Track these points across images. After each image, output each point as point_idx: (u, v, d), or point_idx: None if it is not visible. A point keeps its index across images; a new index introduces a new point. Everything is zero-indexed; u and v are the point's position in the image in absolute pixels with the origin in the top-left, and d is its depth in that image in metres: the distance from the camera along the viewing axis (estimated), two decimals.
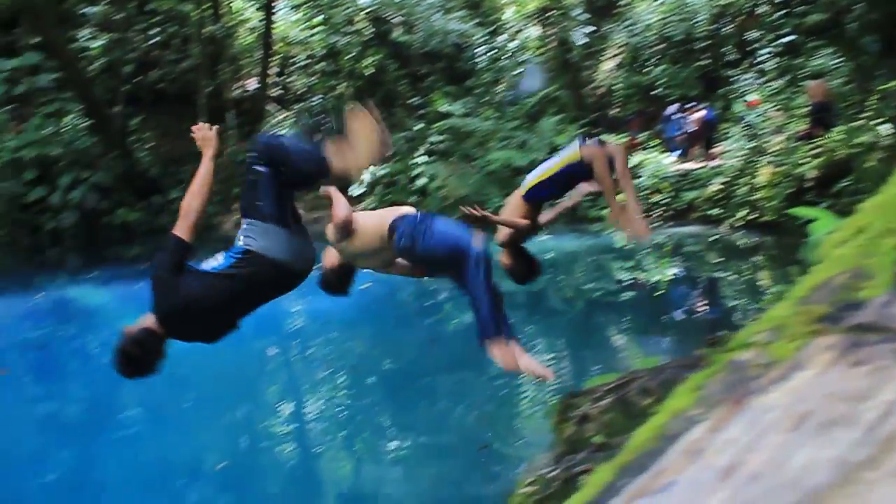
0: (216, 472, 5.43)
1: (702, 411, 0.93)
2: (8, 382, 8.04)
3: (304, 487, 5.38)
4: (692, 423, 0.91)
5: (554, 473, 3.63)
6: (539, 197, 4.99)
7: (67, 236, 21.07)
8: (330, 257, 4.47)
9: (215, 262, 3.41)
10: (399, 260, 4.51)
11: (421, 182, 19.01)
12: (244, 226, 3.47)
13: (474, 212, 4.64)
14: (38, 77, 20.48)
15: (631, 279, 12.25)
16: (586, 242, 15.34)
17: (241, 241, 3.43)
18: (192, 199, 3.35)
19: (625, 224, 4.96)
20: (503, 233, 4.98)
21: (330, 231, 4.31)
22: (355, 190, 20.27)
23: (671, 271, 12.69)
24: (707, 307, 10.47)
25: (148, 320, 3.35)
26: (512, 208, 5.01)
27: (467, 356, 7.86)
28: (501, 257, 4.95)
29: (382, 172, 19.96)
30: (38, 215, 21.07)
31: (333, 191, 4.37)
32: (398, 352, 8.07)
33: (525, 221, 4.88)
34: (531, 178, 4.97)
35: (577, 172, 4.83)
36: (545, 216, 5.23)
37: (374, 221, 4.35)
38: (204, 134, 3.60)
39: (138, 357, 3.35)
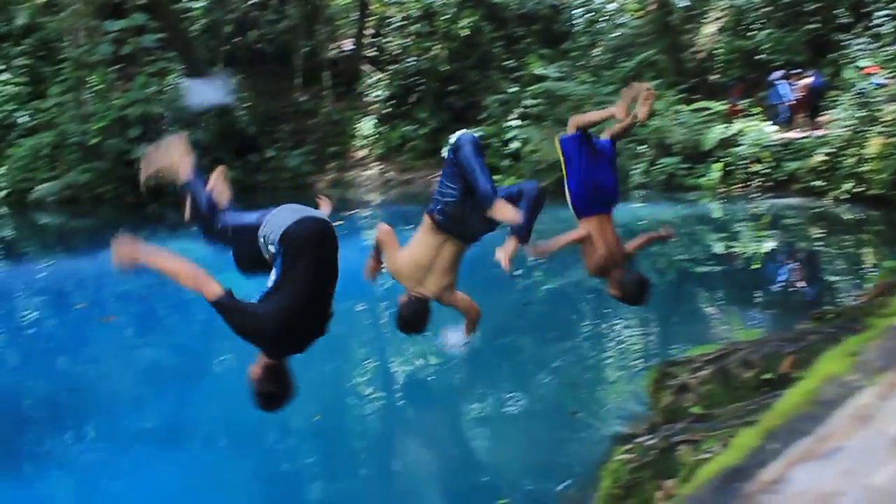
0: (313, 422, 5.55)
1: (860, 377, 0.87)
2: (114, 329, 8.40)
3: (394, 447, 5.46)
4: (851, 389, 0.86)
5: (652, 442, 3.57)
6: (582, 204, 4.76)
7: (168, 192, 21.77)
8: (401, 298, 4.52)
9: (272, 276, 3.38)
10: (459, 295, 4.62)
11: (514, 146, 18.85)
12: (260, 240, 3.45)
13: (537, 250, 4.66)
14: (144, 37, 21.08)
15: (727, 250, 11.92)
16: (682, 211, 14.98)
17: (272, 248, 3.39)
18: (187, 272, 3.28)
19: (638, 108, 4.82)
20: (590, 262, 4.78)
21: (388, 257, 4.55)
22: (444, 152, 20.25)
23: (770, 243, 12.28)
24: (807, 281, 10.11)
25: (264, 358, 3.42)
26: (580, 234, 4.81)
27: (559, 321, 7.82)
28: (608, 289, 4.79)
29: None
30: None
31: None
32: (490, 315, 8.06)
33: (581, 233, 4.72)
34: (567, 196, 4.83)
35: (575, 145, 4.75)
36: (633, 243, 5.01)
37: (416, 233, 4.51)
38: (125, 251, 3.43)
39: (278, 392, 3.45)
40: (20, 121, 23.90)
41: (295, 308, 3.29)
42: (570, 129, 4.82)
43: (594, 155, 4.79)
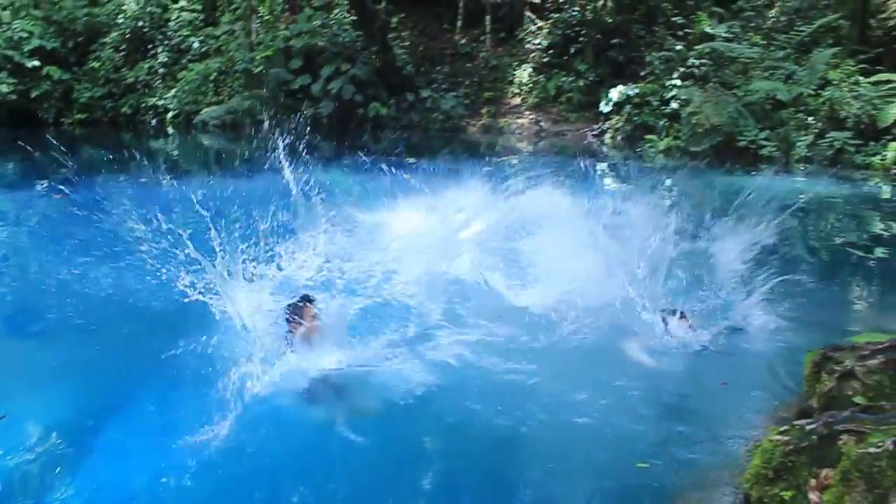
0: None
1: None
2: None
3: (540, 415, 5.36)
4: None
5: (813, 427, 3.39)
6: None
7: (323, 124, 22.44)
8: None
9: None
10: None
11: (673, 106, 18.23)
12: None
13: None
14: None
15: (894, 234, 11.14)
16: (843, 190, 14.02)
17: None
18: None
19: None
20: None
21: None
22: (605, 108, 19.78)
23: None
24: None
25: None
26: None
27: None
28: None
29: (633, 92, 19.32)
30: (299, 102, 22.55)
31: None
32: None
33: None
34: None
35: None
36: None
37: None
38: None
39: None
40: (193, 46, 25.12)
41: None
42: None
43: None
